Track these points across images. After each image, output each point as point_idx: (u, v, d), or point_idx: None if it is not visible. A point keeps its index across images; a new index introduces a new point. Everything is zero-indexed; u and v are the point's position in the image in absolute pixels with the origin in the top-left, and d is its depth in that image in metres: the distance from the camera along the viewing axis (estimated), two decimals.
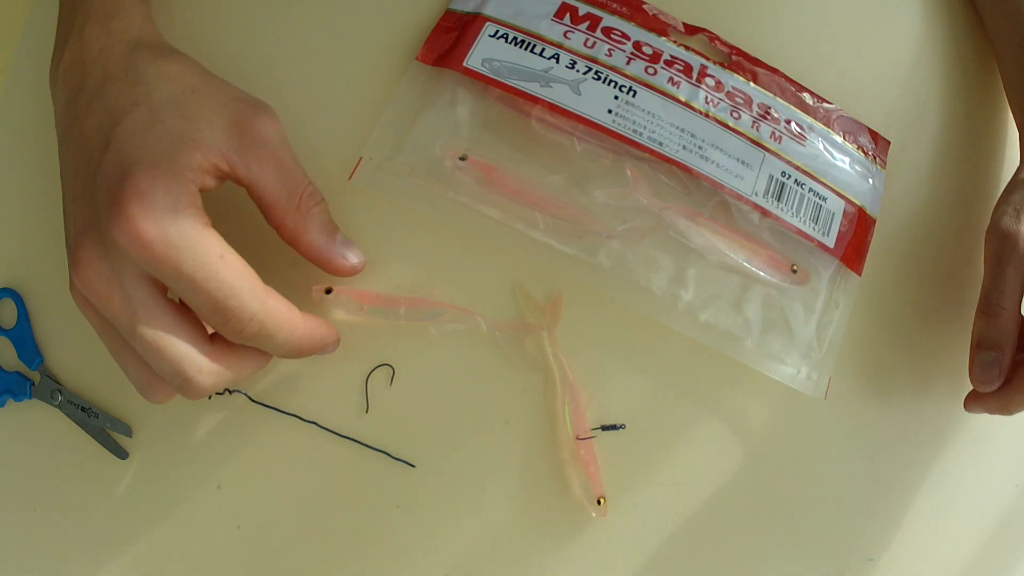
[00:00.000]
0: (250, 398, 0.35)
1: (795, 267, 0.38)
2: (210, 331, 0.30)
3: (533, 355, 0.36)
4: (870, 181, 0.41)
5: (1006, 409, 0.36)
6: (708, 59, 0.40)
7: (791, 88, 0.41)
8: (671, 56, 0.39)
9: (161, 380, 0.29)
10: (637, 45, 0.39)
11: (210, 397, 0.35)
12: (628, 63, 0.39)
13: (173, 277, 0.27)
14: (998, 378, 0.36)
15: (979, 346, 0.36)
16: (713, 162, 0.38)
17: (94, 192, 0.29)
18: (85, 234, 0.28)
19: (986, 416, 0.40)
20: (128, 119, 0.29)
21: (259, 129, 0.31)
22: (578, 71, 0.38)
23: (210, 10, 0.39)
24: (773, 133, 0.39)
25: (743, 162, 0.38)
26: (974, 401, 0.38)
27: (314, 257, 0.33)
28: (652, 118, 0.38)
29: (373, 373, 0.36)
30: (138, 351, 0.29)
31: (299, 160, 0.32)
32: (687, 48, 0.40)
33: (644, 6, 0.41)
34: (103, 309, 0.28)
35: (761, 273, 0.38)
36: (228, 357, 0.30)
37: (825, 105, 0.41)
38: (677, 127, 0.38)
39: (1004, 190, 0.39)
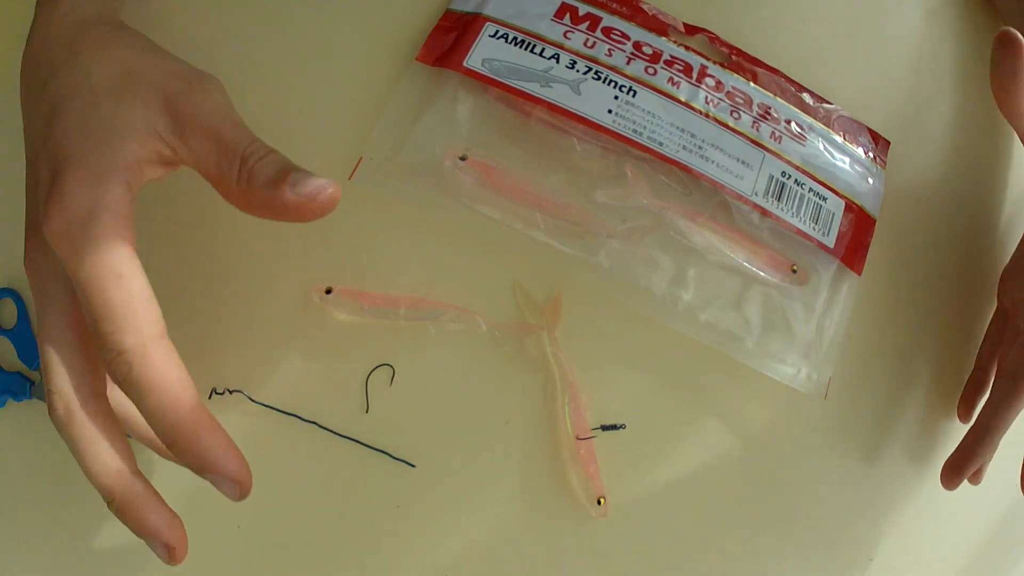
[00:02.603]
0: (250, 398, 0.35)
1: (795, 267, 0.38)
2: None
3: (533, 355, 0.36)
4: (870, 181, 0.41)
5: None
6: (708, 59, 0.40)
7: (791, 88, 0.41)
8: (671, 56, 0.39)
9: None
10: (637, 45, 0.39)
11: (210, 396, 0.35)
12: (628, 63, 0.39)
13: (72, 280, 0.26)
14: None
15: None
16: (713, 162, 0.38)
17: (37, 188, 0.28)
18: (31, 228, 0.29)
19: None
20: (64, 110, 0.28)
21: (193, 104, 0.29)
22: (578, 71, 0.38)
23: (209, 10, 0.39)
24: (773, 133, 0.39)
25: (743, 162, 0.38)
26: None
27: (270, 212, 0.28)
28: (652, 118, 0.38)
29: (373, 373, 0.36)
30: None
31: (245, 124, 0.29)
32: (687, 48, 0.40)
33: (644, 6, 0.41)
34: (33, 299, 0.29)
35: (761, 273, 0.38)
36: (96, 415, 0.27)
37: (825, 105, 0.41)
38: (677, 127, 0.38)
39: None
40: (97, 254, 0.26)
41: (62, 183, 0.27)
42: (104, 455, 0.27)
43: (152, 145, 0.28)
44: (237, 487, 0.27)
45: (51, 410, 0.27)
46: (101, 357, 0.26)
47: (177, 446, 0.26)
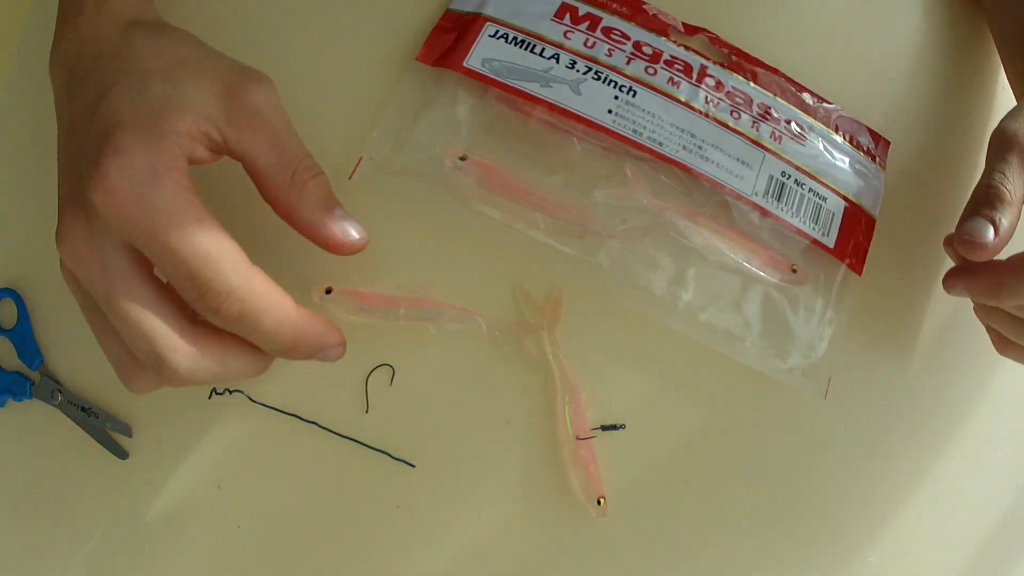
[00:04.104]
0: (250, 398, 0.35)
1: (795, 267, 0.38)
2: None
3: (533, 355, 0.36)
4: (870, 181, 0.41)
5: (995, 292, 0.33)
6: (708, 59, 0.40)
7: (791, 88, 0.41)
8: (671, 56, 0.39)
9: (139, 363, 0.28)
10: (637, 45, 0.39)
11: (210, 396, 0.35)
12: (628, 63, 0.39)
13: (146, 241, 0.26)
14: (992, 237, 0.33)
15: (974, 212, 0.33)
16: (713, 162, 0.38)
17: (80, 160, 0.28)
18: (69, 200, 0.28)
19: (986, 415, 0.40)
20: (115, 91, 0.28)
21: (252, 97, 0.30)
22: (578, 71, 0.38)
23: (210, 10, 0.39)
24: (773, 133, 0.39)
25: (743, 162, 0.38)
26: (958, 277, 0.35)
27: (310, 234, 0.31)
28: (652, 118, 0.38)
29: (373, 373, 0.36)
30: (114, 325, 0.27)
31: (297, 134, 0.31)
32: (687, 48, 0.40)
33: (644, 6, 0.41)
34: (81, 277, 0.27)
35: (761, 273, 0.38)
36: (211, 342, 0.28)
37: (825, 105, 0.41)
38: (677, 127, 0.38)
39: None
40: (176, 207, 0.26)
41: (118, 141, 0.26)
42: (246, 356, 0.29)
43: (205, 126, 0.29)
44: (342, 349, 0.30)
45: (173, 370, 0.27)
46: (201, 305, 0.27)
47: (298, 350, 0.29)
